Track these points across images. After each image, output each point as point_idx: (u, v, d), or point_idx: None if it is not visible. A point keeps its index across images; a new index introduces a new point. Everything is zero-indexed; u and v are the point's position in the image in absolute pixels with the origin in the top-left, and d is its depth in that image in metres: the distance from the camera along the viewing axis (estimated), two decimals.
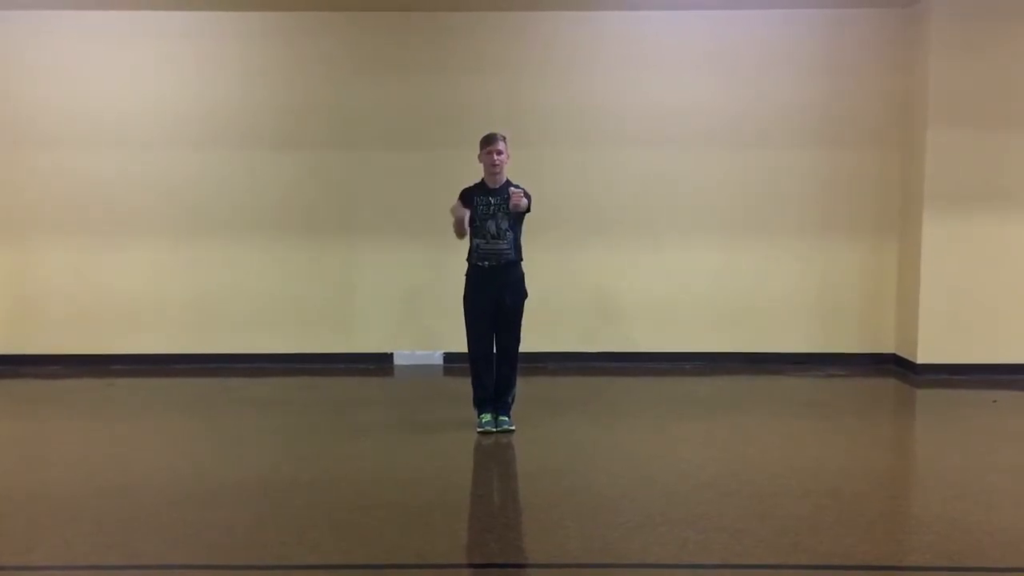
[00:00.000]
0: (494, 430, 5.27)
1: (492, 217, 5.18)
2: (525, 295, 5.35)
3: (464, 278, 5.39)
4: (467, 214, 5.18)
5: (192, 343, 7.61)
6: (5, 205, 7.49)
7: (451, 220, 5.31)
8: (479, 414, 5.38)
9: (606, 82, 7.44)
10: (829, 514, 3.97)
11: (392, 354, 7.70)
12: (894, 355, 7.59)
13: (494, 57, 7.42)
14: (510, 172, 5.36)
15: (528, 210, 5.18)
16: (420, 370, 7.49)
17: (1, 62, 7.38)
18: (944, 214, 7.06)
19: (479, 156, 5.27)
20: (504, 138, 5.25)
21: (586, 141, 7.48)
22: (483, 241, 5.21)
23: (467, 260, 5.35)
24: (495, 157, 5.17)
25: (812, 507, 4.06)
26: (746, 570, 3.38)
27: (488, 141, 5.23)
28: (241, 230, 7.55)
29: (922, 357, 7.16)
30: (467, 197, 5.29)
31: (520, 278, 5.32)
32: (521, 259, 5.31)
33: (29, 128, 7.42)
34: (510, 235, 5.20)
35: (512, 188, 5.11)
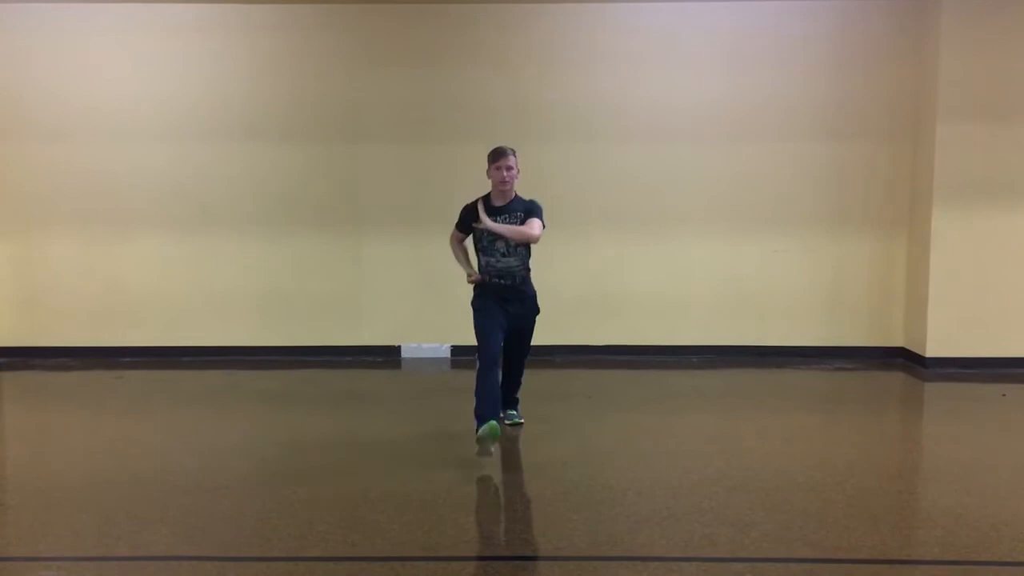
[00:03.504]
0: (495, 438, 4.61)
1: (500, 236, 4.86)
2: (537, 311, 5.16)
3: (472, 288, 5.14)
4: (476, 279, 5.04)
5: (200, 336, 7.64)
6: (15, 198, 7.52)
7: (457, 251, 5.22)
8: (479, 426, 4.58)
9: (613, 76, 7.42)
10: (836, 508, 3.96)
11: (400, 347, 7.71)
12: (903, 349, 7.57)
13: (500, 50, 7.40)
14: (520, 186, 5.06)
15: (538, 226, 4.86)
16: (428, 363, 7.50)
17: (9, 56, 7.41)
18: (954, 207, 7.03)
19: (487, 171, 4.92)
20: (514, 152, 4.90)
21: (594, 135, 7.46)
22: (493, 259, 4.94)
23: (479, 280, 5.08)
24: (504, 173, 4.82)
25: (820, 501, 4.05)
26: (753, 564, 3.37)
27: (497, 155, 4.86)
28: (249, 223, 7.57)
29: (931, 351, 7.14)
30: (470, 215, 4.95)
31: (534, 296, 5.11)
32: (529, 270, 5.08)
33: (37, 122, 7.45)
34: (521, 250, 4.94)
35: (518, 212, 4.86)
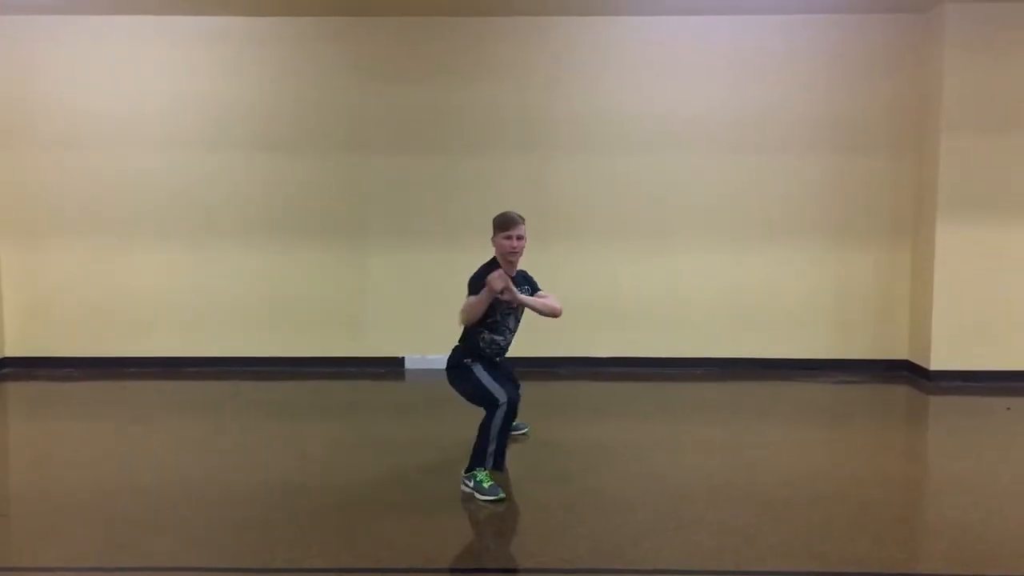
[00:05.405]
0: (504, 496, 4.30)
1: (513, 311, 4.57)
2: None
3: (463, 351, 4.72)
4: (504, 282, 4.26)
5: (203, 346, 7.64)
6: (20, 207, 7.55)
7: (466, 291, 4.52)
8: (488, 477, 4.35)
9: (619, 87, 7.44)
10: (842, 520, 3.95)
11: (403, 358, 7.71)
12: (907, 362, 7.55)
13: (506, 62, 7.43)
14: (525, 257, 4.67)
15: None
16: (431, 374, 7.48)
17: (17, 65, 7.44)
18: (958, 220, 7.03)
19: (493, 239, 4.51)
20: (523, 219, 4.50)
21: (599, 146, 7.48)
22: (501, 338, 4.60)
23: (466, 347, 4.65)
24: (515, 243, 4.43)
25: (825, 513, 4.04)
26: None
27: (507, 224, 4.44)
28: (253, 233, 7.59)
29: (935, 364, 7.12)
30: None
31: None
32: None
33: (44, 131, 7.48)
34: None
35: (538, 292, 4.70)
